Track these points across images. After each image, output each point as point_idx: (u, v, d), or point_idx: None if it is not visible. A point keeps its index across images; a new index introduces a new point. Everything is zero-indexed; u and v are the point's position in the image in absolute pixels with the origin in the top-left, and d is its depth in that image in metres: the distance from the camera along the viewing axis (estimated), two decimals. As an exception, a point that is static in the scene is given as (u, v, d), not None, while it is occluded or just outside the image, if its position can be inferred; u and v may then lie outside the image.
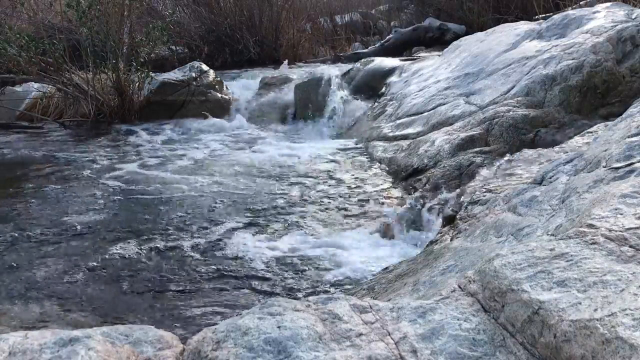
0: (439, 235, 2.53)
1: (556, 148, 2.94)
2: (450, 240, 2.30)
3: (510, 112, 3.54)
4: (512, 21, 5.81)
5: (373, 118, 5.24)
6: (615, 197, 1.38)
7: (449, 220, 2.60)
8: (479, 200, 2.54)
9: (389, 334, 1.14)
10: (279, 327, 1.14)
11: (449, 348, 1.09)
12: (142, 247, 2.95)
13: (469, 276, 1.31)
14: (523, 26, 4.88)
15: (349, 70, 6.45)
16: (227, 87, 6.67)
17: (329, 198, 3.62)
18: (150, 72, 6.15)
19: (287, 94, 6.26)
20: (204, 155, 4.83)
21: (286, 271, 2.68)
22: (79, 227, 3.21)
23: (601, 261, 1.15)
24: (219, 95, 6.45)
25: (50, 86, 6.21)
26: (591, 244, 1.22)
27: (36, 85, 6.33)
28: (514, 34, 4.72)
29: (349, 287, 2.48)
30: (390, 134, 4.53)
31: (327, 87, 5.94)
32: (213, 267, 2.74)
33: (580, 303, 1.05)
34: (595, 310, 1.01)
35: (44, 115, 6.17)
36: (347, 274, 2.61)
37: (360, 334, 1.14)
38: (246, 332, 1.13)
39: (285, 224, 3.22)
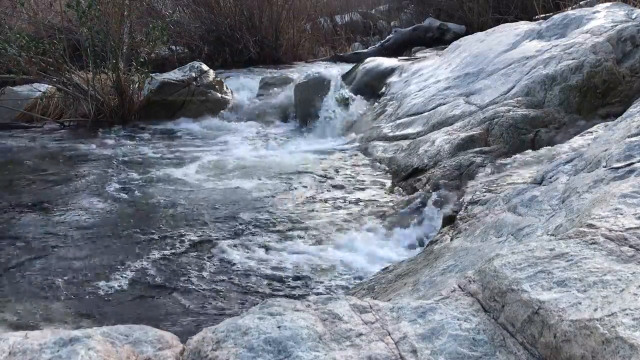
0: (439, 235, 2.53)
1: (556, 148, 2.94)
2: (450, 240, 2.30)
3: (510, 112, 3.54)
4: (512, 21, 5.81)
5: (373, 118, 5.23)
6: (615, 197, 1.38)
7: (449, 220, 2.60)
8: (479, 200, 2.54)
9: (389, 334, 1.14)
10: (279, 327, 1.14)
11: (449, 348, 1.09)
12: (142, 249, 2.95)
13: (469, 276, 1.31)
14: (523, 26, 4.88)
15: (349, 71, 6.45)
16: (227, 87, 6.67)
17: (328, 198, 3.62)
18: (150, 72, 6.15)
19: (288, 94, 6.26)
20: (204, 155, 4.83)
21: (286, 271, 2.68)
22: (77, 228, 3.21)
23: (601, 261, 1.15)
24: (219, 95, 6.45)
25: (50, 86, 6.21)
26: (591, 244, 1.22)
27: (36, 85, 6.32)
28: (514, 34, 4.72)
29: (348, 287, 2.48)
30: (390, 134, 4.53)
31: (327, 87, 5.94)
32: (213, 267, 2.74)
33: (580, 303, 1.05)
34: (595, 310, 1.01)
35: (44, 115, 6.17)
36: (346, 274, 2.61)
37: (360, 334, 1.14)
38: (246, 332, 1.13)
39: (284, 223, 3.21)
